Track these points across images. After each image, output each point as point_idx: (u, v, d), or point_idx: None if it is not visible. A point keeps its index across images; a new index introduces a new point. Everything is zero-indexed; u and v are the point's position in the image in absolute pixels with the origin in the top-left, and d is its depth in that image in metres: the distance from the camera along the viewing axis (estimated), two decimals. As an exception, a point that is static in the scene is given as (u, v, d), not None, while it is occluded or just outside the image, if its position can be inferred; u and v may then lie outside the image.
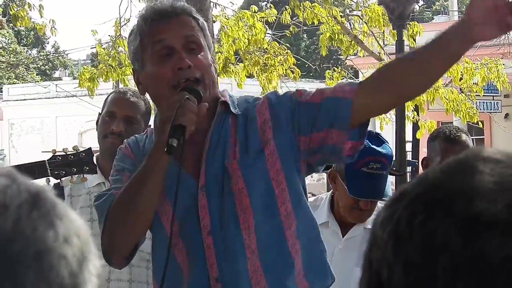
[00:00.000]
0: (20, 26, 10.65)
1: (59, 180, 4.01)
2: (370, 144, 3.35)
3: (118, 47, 10.39)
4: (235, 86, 10.81)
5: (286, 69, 10.72)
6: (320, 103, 2.67)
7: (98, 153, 4.08)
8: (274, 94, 2.84)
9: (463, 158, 0.94)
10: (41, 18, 10.22)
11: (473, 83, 12.62)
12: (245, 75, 10.77)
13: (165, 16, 2.76)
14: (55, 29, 10.31)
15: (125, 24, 10.23)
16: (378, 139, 3.48)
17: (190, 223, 2.70)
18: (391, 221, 0.92)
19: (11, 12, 10.08)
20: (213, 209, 2.69)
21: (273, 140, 2.71)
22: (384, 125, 12.46)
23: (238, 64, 10.79)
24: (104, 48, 10.77)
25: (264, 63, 10.63)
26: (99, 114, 4.05)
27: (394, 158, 3.81)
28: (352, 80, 3.17)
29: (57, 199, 0.96)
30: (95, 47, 11.60)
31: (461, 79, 12.12)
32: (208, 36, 2.83)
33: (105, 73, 10.29)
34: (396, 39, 11.18)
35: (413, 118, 12.52)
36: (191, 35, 2.75)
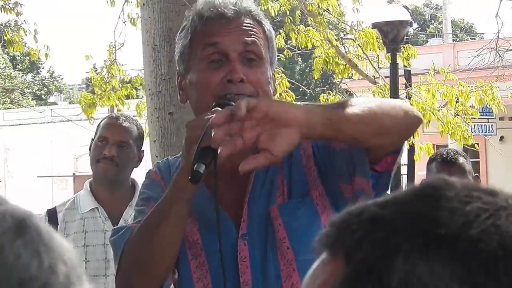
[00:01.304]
0: (15, 51, 10.65)
1: (54, 206, 4.03)
2: None
3: (113, 71, 10.40)
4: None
5: (280, 93, 10.73)
6: (339, 149, 2.25)
7: (91, 178, 4.09)
8: None
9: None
10: (36, 44, 10.24)
11: (470, 106, 12.64)
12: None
13: (224, 16, 2.28)
14: (48, 55, 10.33)
15: (119, 49, 10.25)
16: None
17: (226, 275, 2.19)
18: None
19: (5, 38, 10.09)
20: (255, 261, 2.24)
21: (319, 178, 2.28)
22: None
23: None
24: (98, 73, 10.78)
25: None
26: (92, 139, 4.06)
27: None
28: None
29: (43, 225, 0.93)
30: (90, 72, 11.62)
31: (457, 101, 12.14)
32: (273, 47, 2.37)
33: (106, 98, 10.31)
34: (391, 62, 11.20)
35: (408, 141, 12.50)
36: (252, 43, 2.27)
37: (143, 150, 4.10)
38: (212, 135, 1.97)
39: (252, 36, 2.28)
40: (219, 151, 1.99)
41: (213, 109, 2.12)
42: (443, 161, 4.25)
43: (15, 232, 0.89)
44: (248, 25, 2.29)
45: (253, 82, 2.23)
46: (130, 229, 2.28)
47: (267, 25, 2.36)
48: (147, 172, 2.46)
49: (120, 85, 10.57)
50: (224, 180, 2.14)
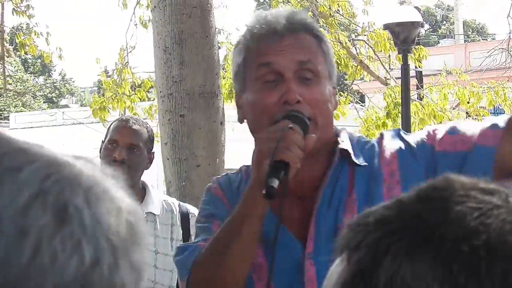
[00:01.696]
0: (26, 54, 10.70)
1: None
2: None
3: (125, 74, 10.43)
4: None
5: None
6: (467, 153, 2.10)
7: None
8: (400, 136, 2.23)
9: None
10: (48, 46, 10.28)
11: (480, 107, 12.61)
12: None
13: (277, 32, 2.17)
14: (62, 56, 10.36)
15: (130, 52, 10.27)
16: None
17: None
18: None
19: (17, 40, 10.13)
20: (323, 282, 2.14)
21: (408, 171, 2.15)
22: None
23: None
24: (109, 76, 10.81)
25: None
26: (102, 142, 4.07)
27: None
28: (494, 119, 2.03)
29: (90, 204, 0.83)
30: (101, 75, 11.66)
31: (468, 102, 12.12)
32: (331, 61, 2.24)
33: (117, 102, 10.34)
34: (402, 63, 11.19)
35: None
36: (308, 61, 2.16)
37: (154, 152, 4.10)
38: (288, 152, 1.97)
39: (307, 52, 2.17)
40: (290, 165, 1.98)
41: (282, 121, 2.07)
42: None
43: (55, 226, 0.80)
44: (303, 40, 2.18)
45: (310, 102, 2.13)
46: (197, 248, 2.17)
47: (324, 37, 2.25)
48: (207, 188, 2.34)
49: (132, 89, 10.59)
50: (290, 199, 2.08)
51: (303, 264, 2.13)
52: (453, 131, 2.14)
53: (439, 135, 2.15)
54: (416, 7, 14.69)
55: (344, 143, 2.21)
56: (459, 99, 12.03)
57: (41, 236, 0.79)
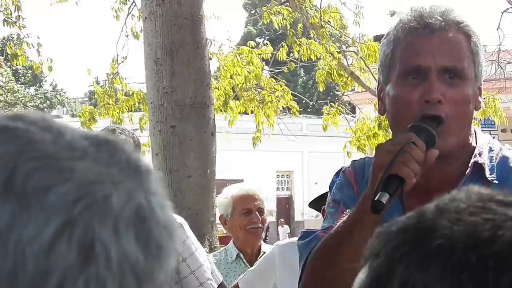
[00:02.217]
0: (17, 65, 10.70)
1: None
2: None
3: (116, 84, 10.43)
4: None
5: (285, 105, 10.76)
6: None
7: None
8: None
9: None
10: (39, 57, 10.27)
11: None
12: (240, 112, 10.83)
13: (429, 27, 2.15)
14: (52, 68, 10.36)
15: (122, 62, 10.27)
16: None
17: None
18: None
19: (8, 51, 10.13)
20: None
21: None
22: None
23: (234, 101, 10.83)
24: (101, 86, 10.82)
25: (261, 99, 10.66)
26: None
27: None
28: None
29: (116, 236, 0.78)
30: (92, 85, 11.66)
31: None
32: (479, 62, 2.20)
33: (106, 112, 10.34)
34: (393, 74, 11.20)
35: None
36: (454, 61, 2.15)
37: None
38: (403, 168, 1.97)
39: (455, 53, 2.16)
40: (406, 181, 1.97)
41: (405, 134, 2.06)
42: None
43: (79, 266, 0.76)
44: (453, 39, 2.16)
45: (451, 102, 2.11)
46: (317, 237, 2.21)
47: (475, 37, 2.21)
48: (342, 171, 2.35)
49: (122, 98, 10.60)
50: (417, 197, 2.04)
51: None
52: None
53: None
54: (407, 19, 14.71)
55: (481, 156, 2.18)
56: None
57: (64, 277, 0.75)
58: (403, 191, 1.97)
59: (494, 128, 21.62)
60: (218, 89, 10.44)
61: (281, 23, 10.68)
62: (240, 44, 19.32)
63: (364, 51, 11.15)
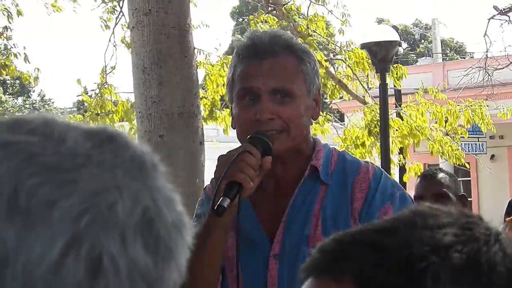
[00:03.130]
0: (6, 76, 10.67)
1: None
2: None
3: (104, 94, 10.42)
4: (221, 132, 10.86)
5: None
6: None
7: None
8: (377, 183, 2.44)
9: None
10: (27, 67, 10.27)
11: (459, 125, 12.67)
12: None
13: (258, 55, 2.40)
14: (38, 79, 10.35)
15: (110, 72, 10.26)
16: None
17: None
18: None
19: (-2, 63, 10.11)
20: (283, 280, 2.37)
21: (362, 212, 2.38)
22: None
23: (224, 110, 10.83)
24: (90, 96, 10.81)
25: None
26: None
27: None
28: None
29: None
30: (81, 95, 11.65)
31: (446, 121, 12.18)
32: (311, 79, 2.45)
33: (93, 122, 10.32)
34: (380, 82, 11.23)
35: (399, 161, 12.53)
36: (283, 83, 2.39)
37: None
38: (240, 174, 2.23)
39: (283, 74, 2.40)
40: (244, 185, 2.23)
41: (242, 144, 2.34)
42: (422, 177, 4.41)
43: (88, 282, 0.75)
44: (281, 63, 2.41)
45: (284, 118, 2.36)
46: None
47: (306, 56, 2.45)
48: (203, 188, 2.63)
49: (112, 109, 10.59)
50: (266, 194, 2.39)
51: (268, 260, 2.39)
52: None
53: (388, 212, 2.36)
54: (394, 26, 14.78)
55: (317, 160, 2.44)
56: (436, 118, 12.08)
57: None
58: (240, 195, 2.23)
59: (483, 135, 21.68)
60: (206, 98, 10.44)
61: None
62: (228, 52, 19.34)
63: (351, 59, 11.17)
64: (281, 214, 2.41)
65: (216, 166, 2.35)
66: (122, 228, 0.77)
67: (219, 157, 2.37)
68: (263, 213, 2.42)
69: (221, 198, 2.21)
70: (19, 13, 9.79)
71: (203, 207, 2.51)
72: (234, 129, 2.51)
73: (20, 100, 47.83)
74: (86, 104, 10.93)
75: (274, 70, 2.40)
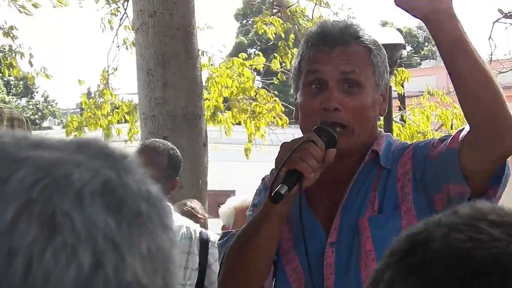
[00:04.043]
0: (10, 76, 10.68)
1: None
2: None
3: (106, 96, 10.42)
4: (223, 134, 10.85)
5: (274, 117, 10.75)
6: (442, 154, 2.28)
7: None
8: (422, 142, 2.41)
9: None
10: (31, 67, 10.26)
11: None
12: (232, 123, 10.82)
13: (328, 43, 2.36)
14: (49, 75, 10.35)
15: (112, 73, 10.26)
16: None
17: (313, 279, 2.31)
18: None
19: (3, 62, 10.11)
20: (339, 269, 2.33)
21: (412, 194, 2.32)
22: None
23: (226, 112, 10.82)
24: (91, 97, 10.80)
25: (252, 110, 10.66)
26: None
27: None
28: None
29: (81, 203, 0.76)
30: (82, 97, 11.65)
31: (451, 127, 12.17)
32: (380, 72, 2.40)
33: (94, 123, 10.32)
34: (384, 85, 11.20)
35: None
36: (352, 71, 2.34)
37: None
38: (301, 163, 2.18)
39: (353, 63, 2.35)
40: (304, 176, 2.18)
41: (307, 133, 2.28)
42: None
43: (45, 239, 0.74)
44: (351, 51, 2.37)
45: (349, 110, 2.32)
46: (233, 236, 2.43)
47: (375, 49, 2.41)
48: (262, 178, 2.57)
49: (112, 111, 10.59)
50: (321, 186, 2.29)
51: (324, 250, 2.34)
52: (444, 138, 2.33)
53: (443, 142, 2.30)
54: (398, 29, 14.75)
55: (378, 146, 2.39)
56: (442, 121, 12.06)
57: (30, 253, 0.73)
58: (301, 185, 2.19)
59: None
60: (208, 100, 10.44)
61: (275, 33, 10.69)
62: (232, 54, 19.36)
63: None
64: (337, 202, 2.36)
65: (278, 153, 2.29)
66: (77, 191, 0.76)
67: (282, 144, 2.33)
68: (317, 202, 2.38)
69: (279, 185, 2.16)
70: (35, 6, 9.75)
71: (260, 196, 2.48)
72: (296, 120, 2.46)
73: (23, 100, 47.89)
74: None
75: (344, 58, 2.35)
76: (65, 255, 0.74)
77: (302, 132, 2.39)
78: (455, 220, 0.90)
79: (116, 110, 10.58)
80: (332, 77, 2.33)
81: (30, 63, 10.14)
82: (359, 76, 2.34)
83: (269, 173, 2.51)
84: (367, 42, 2.40)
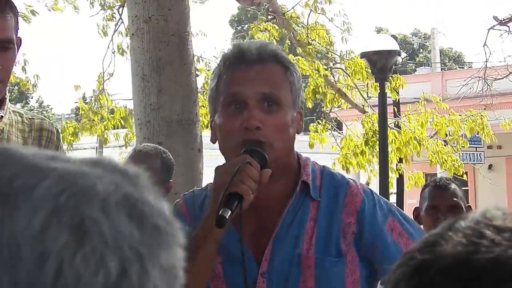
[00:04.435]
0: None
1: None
2: None
3: (102, 101, 10.43)
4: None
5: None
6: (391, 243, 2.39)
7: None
8: (372, 200, 2.43)
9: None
10: (25, 74, 10.26)
11: (461, 135, 12.68)
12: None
13: (246, 62, 2.36)
14: (36, 86, 10.35)
15: (108, 79, 10.26)
16: None
17: None
18: None
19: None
20: None
21: (353, 247, 2.36)
22: (372, 178, 12.49)
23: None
24: (87, 103, 10.81)
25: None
26: None
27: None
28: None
29: (108, 214, 0.79)
30: (78, 102, 11.65)
31: (446, 135, 12.20)
32: (296, 89, 2.41)
33: (89, 128, 10.33)
34: (379, 91, 11.23)
35: (398, 170, 12.53)
36: (270, 91, 2.34)
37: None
38: (241, 185, 2.19)
39: (271, 83, 2.36)
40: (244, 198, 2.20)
41: (242, 156, 2.27)
42: (435, 187, 4.32)
43: (75, 244, 0.76)
44: (269, 70, 2.37)
45: (270, 128, 2.32)
46: None
47: (291, 68, 2.42)
48: (174, 203, 2.51)
49: (108, 115, 10.59)
50: (251, 216, 2.30)
51: (255, 280, 2.34)
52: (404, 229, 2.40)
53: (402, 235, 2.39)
54: (393, 36, 14.78)
55: (307, 176, 2.39)
56: (435, 128, 12.08)
57: (61, 257, 0.76)
58: (241, 207, 2.19)
59: (481, 145, 21.71)
60: (204, 106, 10.44)
61: (270, 39, 10.69)
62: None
63: (351, 67, 11.17)
64: (265, 228, 2.37)
65: (214, 178, 2.32)
66: (102, 202, 0.79)
67: (216, 167, 2.33)
68: (248, 230, 2.33)
69: (222, 209, 2.16)
70: (33, 13, 9.75)
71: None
72: (213, 142, 2.45)
73: (18, 106, 47.85)
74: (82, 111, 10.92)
75: (262, 76, 2.36)
76: (94, 261, 0.76)
77: (223, 152, 2.40)
78: (464, 224, 0.91)
79: (112, 116, 10.59)
80: (251, 96, 2.33)
81: (24, 70, 10.14)
82: (278, 95, 2.35)
83: (180, 199, 2.53)
84: (283, 60, 2.41)
